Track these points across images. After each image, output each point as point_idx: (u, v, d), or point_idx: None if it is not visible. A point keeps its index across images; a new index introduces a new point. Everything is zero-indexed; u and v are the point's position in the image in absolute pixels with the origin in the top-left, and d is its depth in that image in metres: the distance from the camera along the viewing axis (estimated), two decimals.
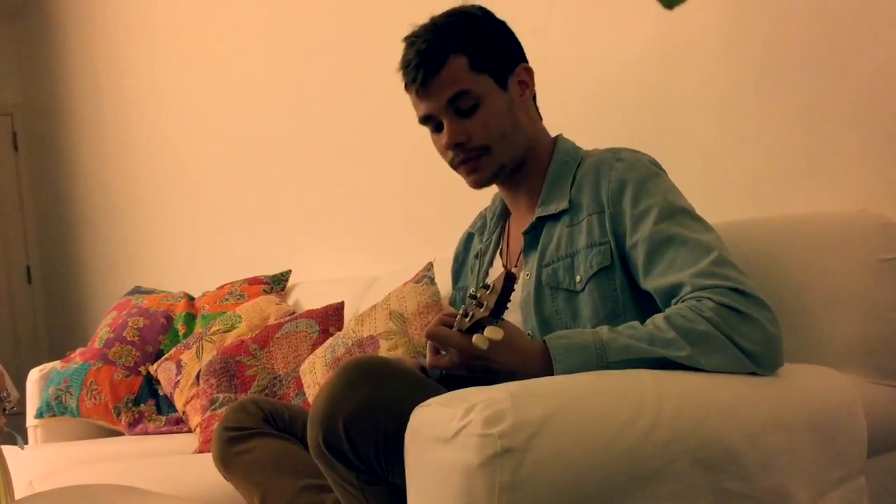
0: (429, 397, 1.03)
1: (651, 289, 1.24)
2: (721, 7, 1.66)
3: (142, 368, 2.76)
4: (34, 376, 2.90)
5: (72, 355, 2.86)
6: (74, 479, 1.82)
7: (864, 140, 1.46)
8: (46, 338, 5.81)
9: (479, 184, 1.40)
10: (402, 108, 1.43)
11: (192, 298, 2.93)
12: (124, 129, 4.42)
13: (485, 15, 1.39)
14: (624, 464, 0.98)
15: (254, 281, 2.83)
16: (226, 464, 1.51)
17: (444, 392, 1.03)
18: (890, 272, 1.29)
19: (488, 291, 1.16)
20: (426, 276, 2.08)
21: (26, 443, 2.79)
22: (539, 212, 1.38)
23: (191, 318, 2.84)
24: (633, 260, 1.27)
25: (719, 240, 1.23)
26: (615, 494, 0.97)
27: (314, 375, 2.15)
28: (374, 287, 2.39)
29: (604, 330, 1.17)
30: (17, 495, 1.83)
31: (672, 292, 1.20)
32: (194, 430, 2.47)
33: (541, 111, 1.45)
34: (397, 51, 1.38)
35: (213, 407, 2.29)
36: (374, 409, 1.11)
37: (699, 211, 1.29)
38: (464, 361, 1.17)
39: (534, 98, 1.44)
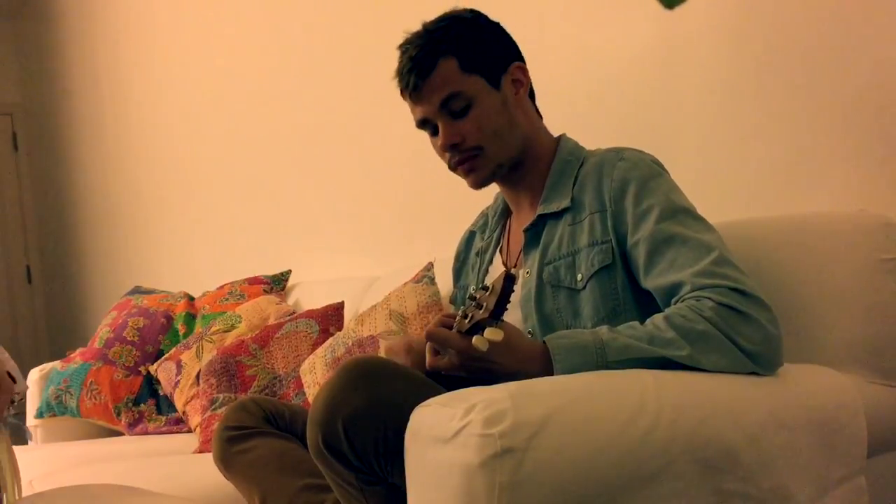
0: (429, 397, 1.03)
1: (651, 288, 1.24)
2: (721, 7, 1.66)
3: (142, 368, 2.76)
4: (34, 376, 2.90)
5: (72, 355, 2.86)
6: (74, 479, 1.82)
7: (864, 140, 1.46)
8: (46, 338, 5.81)
9: (477, 184, 1.40)
10: (403, 108, 1.44)
11: (192, 298, 2.93)
12: (124, 129, 4.42)
13: (475, 17, 1.40)
14: (624, 464, 0.98)
15: (254, 281, 2.83)
16: (226, 463, 1.51)
17: (444, 392, 1.03)
18: (890, 272, 1.29)
19: (488, 293, 1.16)
20: (426, 276, 2.08)
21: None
22: (541, 209, 1.38)
23: (191, 318, 2.84)
24: (634, 259, 1.27)
25: (720, 240, 1.23)
26: (615, 494, 0.97)
27: (314, 375, 2.15)
28: (374, 287, 2.39)
29: (603, 330, 1.17)
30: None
31: (672, 291, 1.20)
32: (194, 430, 2.47)
33: (541, 111, 1.45)
34: (397, 52, 1.39)
35: (213, 407, 2.29)
36: (373, 409, 1.11)
37: (700, 210, 1.29)
38: (463, 363, 1.17)
39: (532, 97, 1.44)
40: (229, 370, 2.34)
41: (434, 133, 1.39)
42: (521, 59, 1.42)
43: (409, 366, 1.28)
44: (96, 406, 2.71)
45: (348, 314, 2.39)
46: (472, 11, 1.41)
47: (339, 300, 2.43)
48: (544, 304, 1.34)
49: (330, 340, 2.18)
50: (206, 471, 1.75)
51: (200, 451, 2.25)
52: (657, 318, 1.16)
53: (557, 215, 1.37)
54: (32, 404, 2.86)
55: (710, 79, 1.69)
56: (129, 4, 4.22)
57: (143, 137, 4.24)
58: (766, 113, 1.60)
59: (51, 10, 5.17)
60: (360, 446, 1.11)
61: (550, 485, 0.94)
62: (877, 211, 1.38)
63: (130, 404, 2.71)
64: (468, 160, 1.37)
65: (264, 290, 2.79)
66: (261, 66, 3.26)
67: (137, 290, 3.10)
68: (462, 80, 1.35)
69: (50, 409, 2.75)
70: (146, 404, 2.72)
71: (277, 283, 2.83)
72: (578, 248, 1.32)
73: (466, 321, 1.18)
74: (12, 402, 1.46)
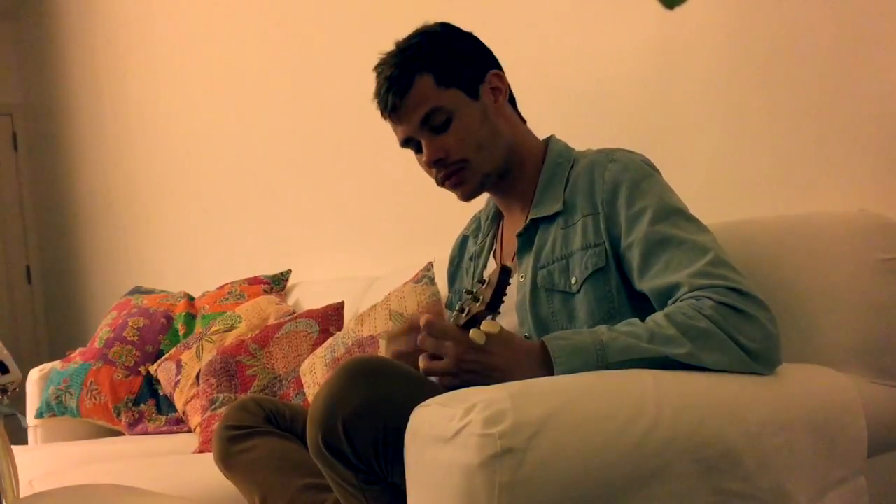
0: (429, 397, 1.03)
1: (647, 289, 1.24)
2: (721, 8, 1.66)
3: (142, 368, 2.76)
4: (34, 376, 2.90)
5: (72, 355, 2.86)
6: (74, 479, 1.82)
7: (865, 140, 1.46)
8: (46, 338, 5.81)
9: (466, 196, 1.41)
10: None
11: (192, 298, 2.93)
12: (124, 129, 4.42)
13: (446, 31, 1.41)
14: (624, 464, 0.98)
15: (254, 281, 2.83)
16: (226, 463, 1.51)
17: (444, 392, 1.03)
18: (890, 272, 1.29)
19: (484, 286, 1.17)
20: (426, 276, 2.08)
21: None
22: (533, 213, 1.38)
23: (191, 318, 2.84)
24: (628, 261, 1.27)
25: (715, 241, 1.23)
26: (615, 494, 0.97)
27: (314, 375, 2.15)
28: (374, 287, 2.39)
29: (602, 330, 1.17)
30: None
31: (669, 293, 1.20)
32: (194, 430, 2.47)
33: (540, 111, 1.45)
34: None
35: (213, 407, 2.29)
36: (373, 409, 1.11)
37: (700, 210, 1.29)
38: (459, 356, 1.16)
39: (513, 101, 1.44)
40: (229, 370, 2.34)
41: (419, 150, 1.40)
42: (498, 66, 1.42)
43: (408, 344, 1.26)
44: (96, 406, 2.71)
45: (348, 314, 2.39)
46: (444, 25, 1.41)
47: (339, 300, 2.43)
48: (539, 308, 1.34)
49: (330, 340, 2.18)
50: (206, 471, 1.75)
51: (200, 451, 2.25)
52: (658, 316, 1.16)
53: (550, 219, 1.37)
54: (32, 404, 2.86)
55: (710, 79, 1.69)
56: (129, 4, 4.22)
57: (143, 137, 4.24)
58: (766, 113, 1.60)
59: (51, 10, 5.17)
60: (360, 446, 1.11)
61: (550, 485, 0.94)
62: (877, 211, 1.38)
63: (130, 404, 2.71)
64: (454, 174, 1.38)
65: (264, 290, 2.79)
66: (261, 66, 3.26)
67: (137, 290, 3.10)
68: (440, 94, 1.35)
69: (50, 409, 2.75)
70: (146, 404, 2.72)
71: (277, 283, 2.83)
72: (572, 252, 1.32)
73: (464, 315, 1.18)
74: (5, 391, 1.44)
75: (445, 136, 1.36)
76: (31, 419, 2.85)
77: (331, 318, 2.38)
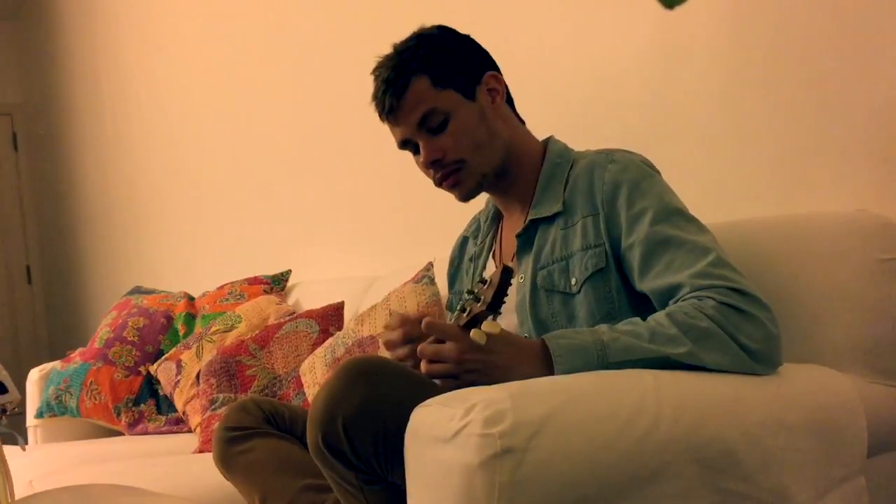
0: (429, 397, 1.03)
1: (648, 290, 1.24)
2: (721, 8, 1.66)
3: (142, 368, 2.76)
4: (34, 376, 2.90)
5: (72, 355, 2.86)
6: (74, 479, 1.82)
7: (865, 140, 1.46)
8: (46, 338, 5.81)
9: (464, 197, 1.41)
10: None
11: (192, 298, 2.93)
12: (124, 129, 4.42)
13: (443, 33, 1.41)
14: (624, 464, 0.98)
15: (254, 281, 2.83)
16: (226, 463, 1.51)
17: (444, 392, 1.03)
18: (890, 272, 1.29)
19: (485, 286, 1.17)
20: (426, 276, 2.08)
21: (26, 442, 2.78)
22: (532, 214, 1.38)
23: (191, 318, 2.84)
24: (628, 261, 1.27)
25: (715, 241, 1.23)
26: (615, 494, 0.97)
27: (314, 375, 2.15)
28: (374, 287, 2.38)
29: (603, 329, 1.17)
30: (17, 495, 1.83)
31: (670, 293, 1.21)
32: (194, 430, 2.47)
33: (540, 112, 1.46)
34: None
35: (213, 407, 2.29)
36: (373, 408, 1.11)
37: (700, 210, 1.29)
38: (460, 357, 1.16)
39: (511, 102, 1.44)
40: (229, 370, 2.34)
41: (416, 152, 1.40)
42: (495, 67, 1.43)
43: (403, 336, 1.26)
44: (96, 406, 2.71)
45: (348, 314, 2.39)
46: (440, 28, 1.42)
47: (339, 300, 2.43)
48: (539, 309, 1.34)
49: (330, 340, 2.18)
50: (206, 471, 1.75)
51: (200, 451, 2.25)
52: (659, 315, 1.16)
53: (549, 220, 1.37)
54: (32, 404, 2.86)
55: (710, 79, 1.69)
56: (129, 4, 4.22)
57: (142, 137, 4.24)
58: (766, 113, 1.60)
59: (51, 10, 5.17)
60: (360, 446, 1.11)
61: (550, 485, 0.94)
62: (877, 211, 1.38)
63: (130, 404, 2.71)
64: (452, 174, 1.38)
65: (264, 290, 2.79)
66: (261, 66, 3.26)
67: (137, 290, 3.10)
68: (436, 96, 1.35)
69: (50, 409, 2.75)
70: (146, 404, 2.72)
71: (277, 283, 2.83)
72: (572, 252, 1.32)
73: (465, 315, 1.18)
74: (4, 411, 1.45)
75: (442, 137, 1.36)
76: (31, 419, 2.85)
77: (331, 318, 2.38)
